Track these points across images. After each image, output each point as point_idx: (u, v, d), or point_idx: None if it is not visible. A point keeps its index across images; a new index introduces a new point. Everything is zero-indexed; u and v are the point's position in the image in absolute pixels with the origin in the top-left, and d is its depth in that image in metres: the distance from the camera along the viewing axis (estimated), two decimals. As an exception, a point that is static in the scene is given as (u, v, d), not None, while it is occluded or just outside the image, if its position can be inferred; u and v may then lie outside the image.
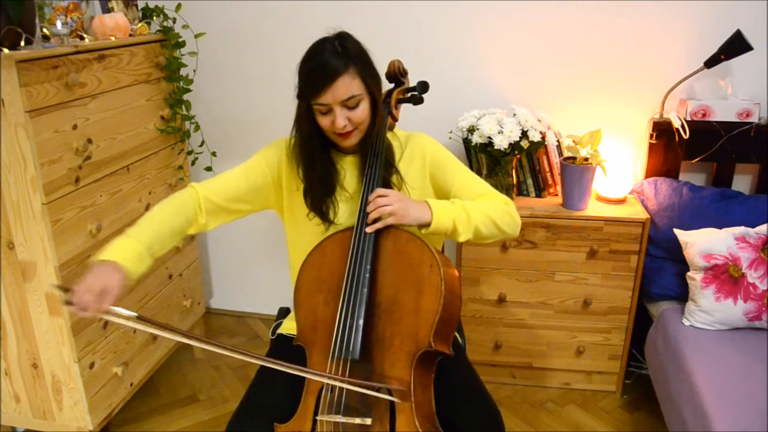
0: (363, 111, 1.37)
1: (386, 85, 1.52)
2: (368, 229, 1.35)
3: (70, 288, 1.17)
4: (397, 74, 1.57)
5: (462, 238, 1.37)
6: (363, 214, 1.38)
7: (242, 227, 2.78)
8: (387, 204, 1.33)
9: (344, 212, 1.47)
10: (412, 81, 1.62)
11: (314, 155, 1.44)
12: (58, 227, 1.71)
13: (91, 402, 1.90)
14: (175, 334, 1.20)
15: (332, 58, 1.32)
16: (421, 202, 1.36)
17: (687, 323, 1.99)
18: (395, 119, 1.56)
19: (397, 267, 1.34)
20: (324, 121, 1.37)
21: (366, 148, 1.45)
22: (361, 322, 1.29)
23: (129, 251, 1.26)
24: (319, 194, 1.45)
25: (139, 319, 1.15)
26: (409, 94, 1.57)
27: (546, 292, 2.26)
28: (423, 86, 1.56)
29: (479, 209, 1.39)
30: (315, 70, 1.33)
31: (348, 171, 1.49)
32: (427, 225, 1.34)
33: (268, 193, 1.52)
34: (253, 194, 1.49)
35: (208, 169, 2.38)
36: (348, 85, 1.32)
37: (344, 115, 1.34)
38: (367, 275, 1.32)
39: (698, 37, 2.21)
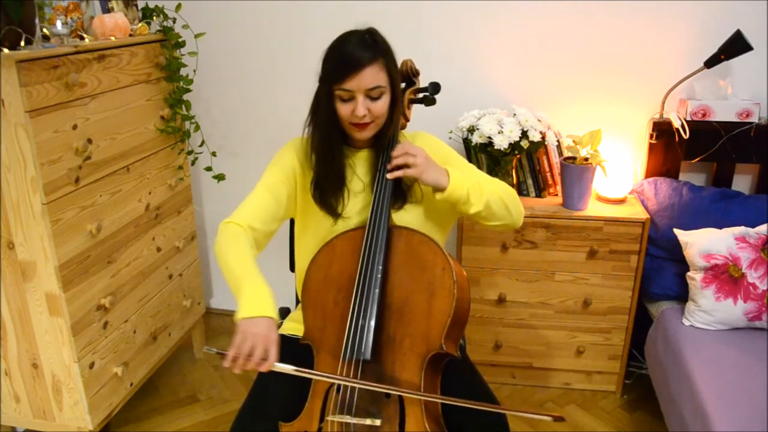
0: (383, 104, 1.39)
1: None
2: (389, 175, 1.39)
3: (226, 353, 1.16)
4: (409, 74, 1.56)
5: (473, 210, 1.41)
6: (376, 208, 1.39)
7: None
8: (414, 155, 1.37)
9: (353, 207, 1.48)
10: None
11: (332, 143, 1.45)
12: (58, 227, 1.71)
13: (91, 402, 1.89)
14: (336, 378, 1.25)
15: (362, 47, 1.35)
16: (442, 168, 1.41)
17: (687, 323, 1.99)
18: (407, 119, 1.56)
19: (409, 268, 1.35)
20: (344, 109, 1.38)
21: (378, 143, 1.46)
22: (372, 322, 1.29)
23: (270, 299, 1.23)
24: (329, 186, 1.46)
25: (297, 370, 1.20)
26: (421, 95, 1.56)
27: (546, 292, 2.26)
28: (435, 87, 1.55)
29: (491, 186, 1.45)
30: (344, 56, 1.35)
31: (359, 166, 1.50)
32: (443, 190, 1.39)
33: (291, 203, 1.52)
34: (282, 210, 1.48)
35: (208, 169, 2.38)
36: (375, 75, 1.35)
37: (366, 104, 1.36)
38: (379, 275, 1.33)
39: (698, 37, 2.21)
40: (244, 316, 1.19)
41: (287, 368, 1.19)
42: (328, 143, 1.44)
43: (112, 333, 1.98)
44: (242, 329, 1.17)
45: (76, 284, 1.79)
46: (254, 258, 1.33)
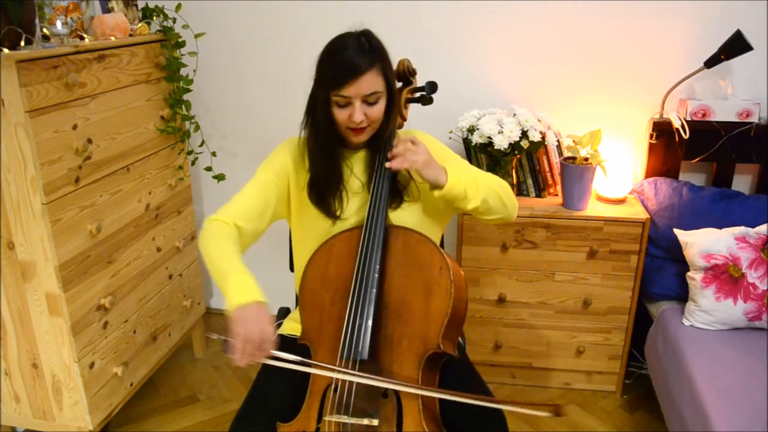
0: (380, 108, 1.39)
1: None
2: (388, 164, 1.40)
3: (228, 338, 1.18)
4: (406, 73, 1.55)
5: (471, 206, 1.43)
6: (373, 208, 1.39)
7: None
8: (415, 151, 1.38)
9: (351, 207, 1.48)
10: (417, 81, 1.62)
11: (330, 146, 1.45)
12: (58, 227, 1.71)
13: (91, 402, 1.90)
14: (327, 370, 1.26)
15: (360, 53, 1.34)
16: (441, 166, 1.41)
17: (687, 323, 1.99)
18: (404, 119, 1.56)
19: (407, 268, 1.35)
20: (340, 114, 1.38)
21: (374, 144, 1.46)
22: (370, 322, 1.29)
23: (255, 286, 1.25)
24: (326, 187, 1.46)
25: (300, 363, 1.22)
26: (418, 94, 1.56)
27: (546, 292, 2.26)
28: (432, 86, 1.55)
29: (487, 182, 1.46)
30: (342, 62, 1.34)
31: (355, 166, 1.50)
32: (441, 187, 1.40)
33: (281, 205, 1.52)
34: (271, 210, 1.48)
35: (208, 169, 2.38)
36: (373, 81, 1.35)
37: (363, 110, 1.36)
38: (377, 275, 1.33)
39: (698, 37, 2.21)
40: (235, 305, 1.21)
41: (289, 356, 1.21)
42: (326, 146, 1.44)
43: (112, 333, 1.98)
44: (234, 318, 1.19)
45: (76, 284, 1.79)
46: (239, 253, 1.34)
